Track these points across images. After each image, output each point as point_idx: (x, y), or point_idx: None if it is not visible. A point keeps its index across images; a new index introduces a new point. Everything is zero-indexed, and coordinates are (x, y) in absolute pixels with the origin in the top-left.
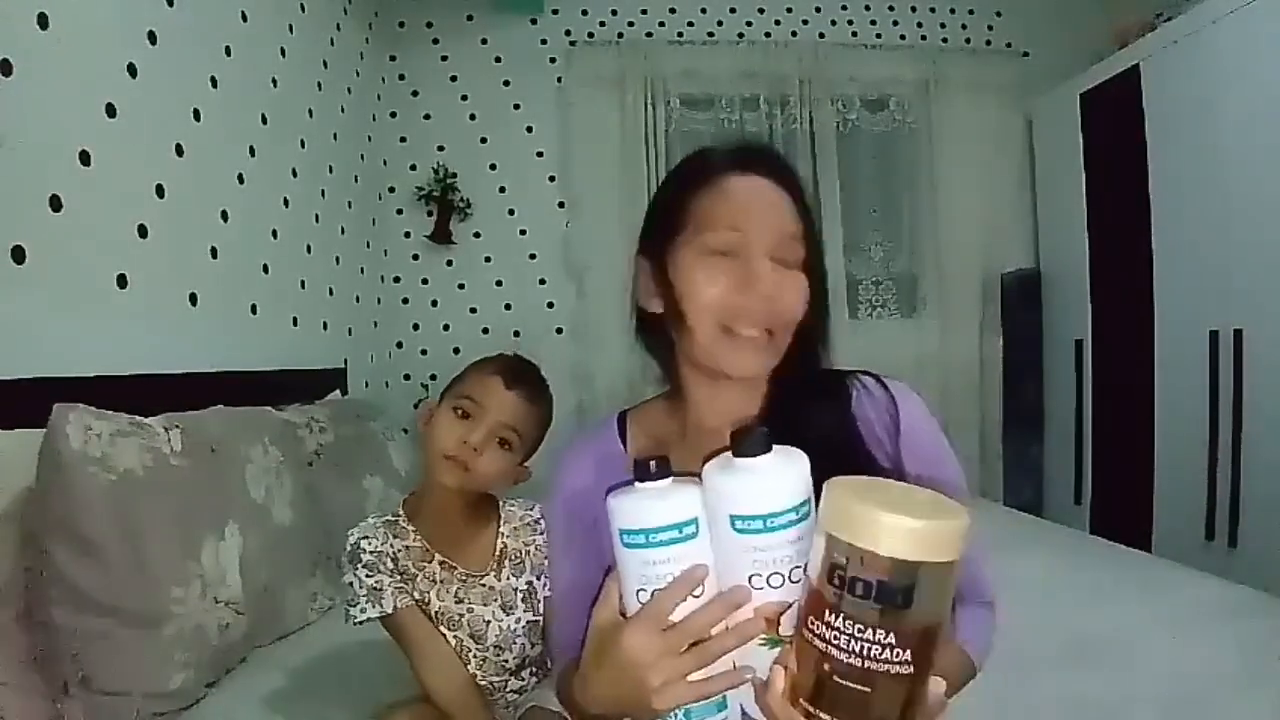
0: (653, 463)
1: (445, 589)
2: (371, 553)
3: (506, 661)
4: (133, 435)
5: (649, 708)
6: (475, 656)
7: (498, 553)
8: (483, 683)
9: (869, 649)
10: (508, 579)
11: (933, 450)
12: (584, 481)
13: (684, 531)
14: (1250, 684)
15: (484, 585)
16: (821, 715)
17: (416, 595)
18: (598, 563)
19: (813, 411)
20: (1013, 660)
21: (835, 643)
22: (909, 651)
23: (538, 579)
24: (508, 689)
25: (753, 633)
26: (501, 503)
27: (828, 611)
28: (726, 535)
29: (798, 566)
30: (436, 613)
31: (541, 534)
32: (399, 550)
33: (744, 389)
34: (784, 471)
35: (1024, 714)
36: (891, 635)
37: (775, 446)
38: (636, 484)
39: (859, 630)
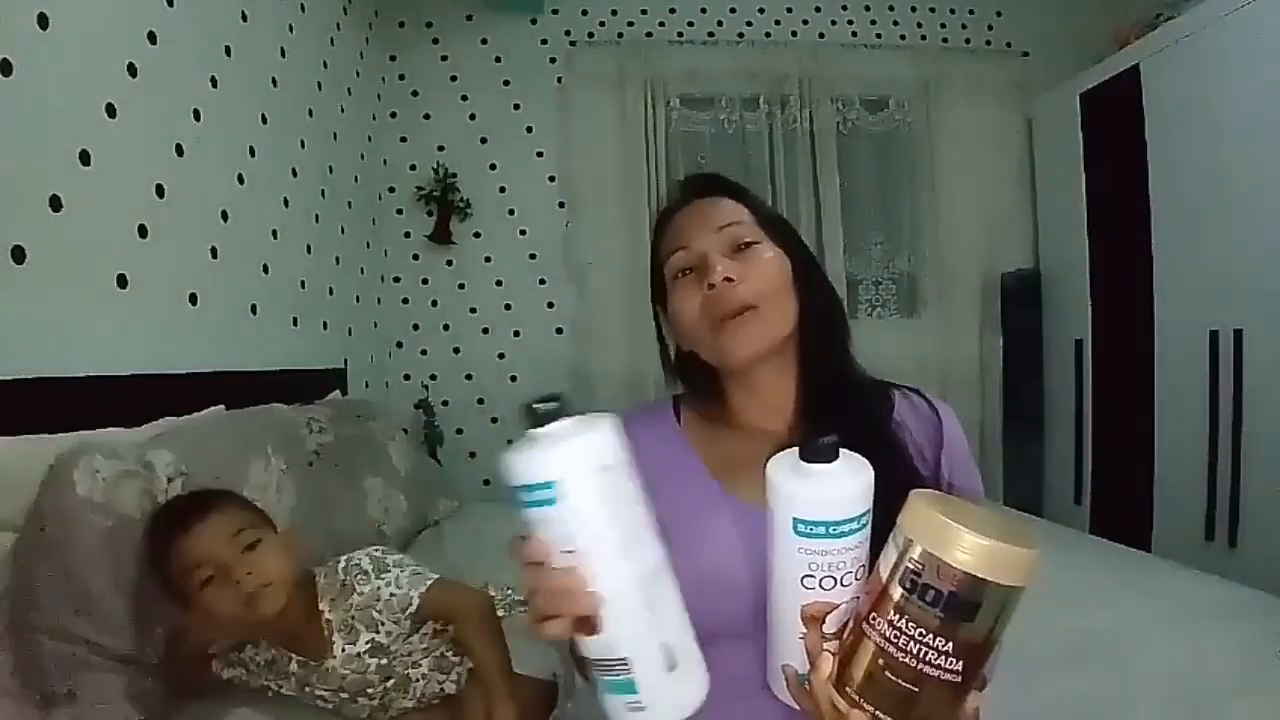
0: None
1: (296, 682)
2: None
3: (423, 680)
4: (137, 478)
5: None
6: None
7: (326, 633)
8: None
9: (925, 653)
10: (344, 651)
11: (964, 466)
12: (637, 451)
13: (542, 495)
14: (1250, 684)
15: (325, 669)
16: (865, 705)
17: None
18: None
19: (851, 410)
20: (1013, 660)
21: (894, 641)
22: (961, 663)
23: (379, 630)
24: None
25: (571, 611)
26: (315, 577)
27: (893, 611)
28: (786, 535)
29: (849, 572)
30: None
31: (364, 587)
32: (269, 659)
33: (778, 388)
34: (851, 480)
35: (1024, 714)
36: (950, 644)
37: (842, 452)
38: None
39: (920, 634)
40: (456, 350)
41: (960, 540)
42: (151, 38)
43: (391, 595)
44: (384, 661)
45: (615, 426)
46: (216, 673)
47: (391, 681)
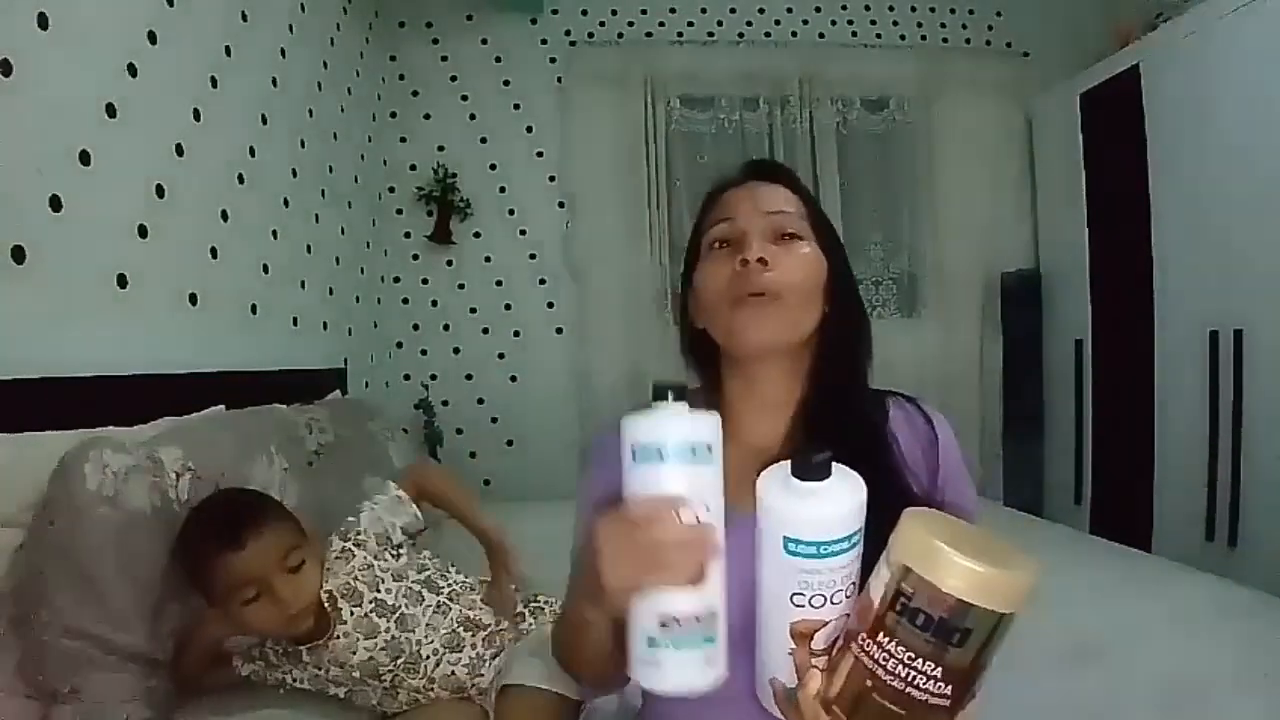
0: (670, 391)
1: (311, 668)
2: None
3: (434, 657)
4: (147, 472)
5: (607, 596)
6: (389, 677)
7: (329, 605)
8: (414, 690)
9: (914, 676)
10: (351, 614)
11: (957, 475)
12: (620, 463)
13: (697, 454)
14: (1250, 684)
15: (336, 640)
16: None
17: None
18: None
19: (849, 425)
20: (1012, 660)
21: (883, 663)
22: (950, 687)
23: (380, 589)
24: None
25: (695, 558)
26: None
27: (882, 633)
28: (776, 553)
29: (840, 590)
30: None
31: (361, 526)
32: (286, 648)
33: (779, 389)
34: (843, 500)
35: (1024, 714)
36: (939, 669)
37: (835, 468)
38: (654, 405)
39: (909, 658)
40: (456, 350)
41: (952, 565)
42: (151, 38)
43: (385, 506)
44: (390, 626)
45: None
46: (235, 669)
47: (400, 661)
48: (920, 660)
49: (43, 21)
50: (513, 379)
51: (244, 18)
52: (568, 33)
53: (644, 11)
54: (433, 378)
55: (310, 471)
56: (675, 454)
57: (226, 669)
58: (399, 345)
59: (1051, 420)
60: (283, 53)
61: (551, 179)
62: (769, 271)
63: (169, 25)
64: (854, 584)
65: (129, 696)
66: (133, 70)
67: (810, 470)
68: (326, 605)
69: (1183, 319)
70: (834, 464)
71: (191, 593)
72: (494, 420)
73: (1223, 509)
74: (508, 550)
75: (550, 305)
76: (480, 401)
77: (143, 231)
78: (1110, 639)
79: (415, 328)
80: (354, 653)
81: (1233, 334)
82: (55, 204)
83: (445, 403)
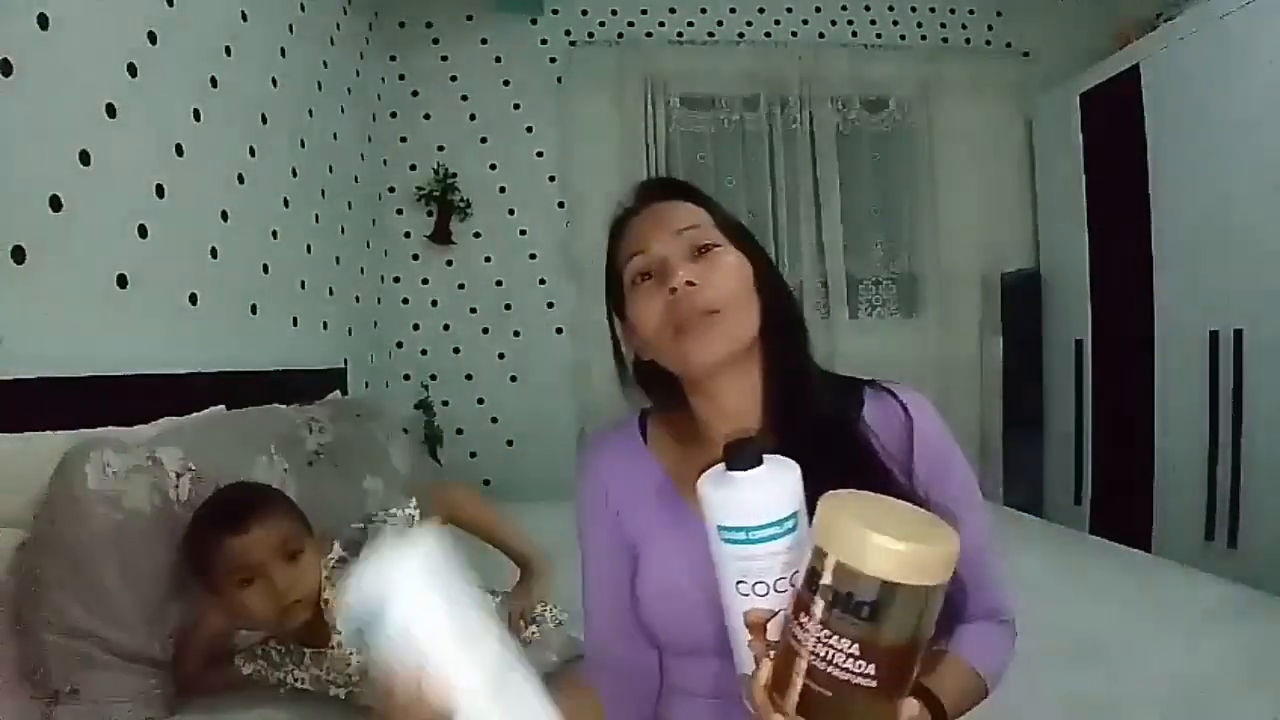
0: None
1: (312, 669)
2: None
3: None
4: (147, 473)
5: None
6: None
7: (327, 615)
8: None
9: (835, 656)
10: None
11: (942, 457)
12: (608, 475)
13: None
14: (1250, 684)
15: (333, 651)
16: (786, 710)
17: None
18: (621, 553)
19: (820, 415)
20: (1014, 659)
21: (808, 645)
22: (873, 666)
23: None
24: None
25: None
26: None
27: (803, 615)
28: (716, 544)
29: (782, 577)
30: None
31: (354, 557)
32: (288, 648)
33: (740, 394)
34: (769, 486)
35: (1024, 714)
36: (856, 647)
37: (769, 458)
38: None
39: (826, 636)
40: (456, 350)
41: (859, 541)
42: (151, 38)
43: (394, 526)
44: None
45: (437, 540)
46: (238, 668)
47: None
48: (837, 638)
49: (43, 21)
50: (513, 379)
51: (244, 18)
52: (568, 33)
53: (644, 11)
54: (433, 378)
55: (310, 471)
56: (370, 635)
57: (228, 668)
58: (399, 345)
59: (1051, 420)
60: (283, 52)
61: (551, 179)
62: (700, 291)
63: (169, 25)
64: (799, 572)
65: (129, 696)
66: (133, 70)
67: (739, 460)
68: (325, 616)
69: (1183, 319)
70: (775, 455)
71: (193, 583)
72: (494, 420)
73: (1223, 509)
74: (544, 576)
75: (550, 305)
76: (480, 401)
77: (143, 231)
78: (1110, 639)
79: (415, 328)
80: (349, 664)
81: (1233, 334)
82: (55, 204)
83: (445, 403)
